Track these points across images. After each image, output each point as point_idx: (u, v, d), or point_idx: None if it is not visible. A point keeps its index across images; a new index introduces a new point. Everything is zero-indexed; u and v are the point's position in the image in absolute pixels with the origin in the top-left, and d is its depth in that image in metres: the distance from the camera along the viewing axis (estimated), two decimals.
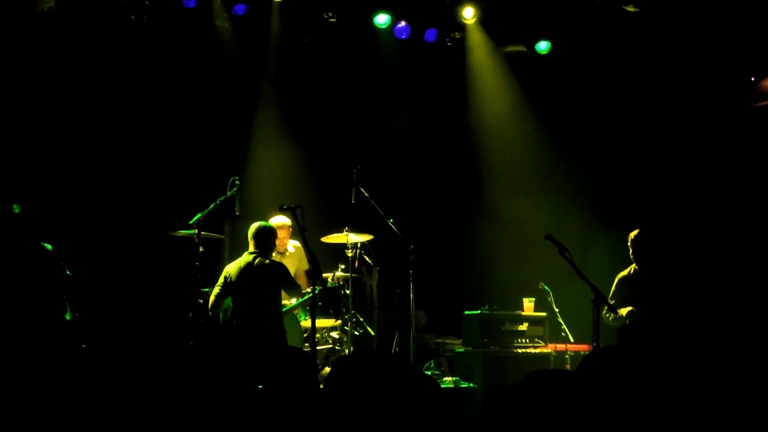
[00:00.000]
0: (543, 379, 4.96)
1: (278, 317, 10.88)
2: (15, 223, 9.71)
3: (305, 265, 11.66)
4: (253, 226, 11.07)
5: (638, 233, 11.16)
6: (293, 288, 11.08)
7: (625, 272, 11.22)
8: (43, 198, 11.92)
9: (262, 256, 10.91)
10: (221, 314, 10.98)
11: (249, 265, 10.85)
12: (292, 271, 12.05)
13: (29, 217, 9.84)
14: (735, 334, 11.84)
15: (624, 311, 10.81)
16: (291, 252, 12.51)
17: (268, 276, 10.84)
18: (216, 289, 10.92)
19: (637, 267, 11.16)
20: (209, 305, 10.91)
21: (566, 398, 4.68)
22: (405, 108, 14.88)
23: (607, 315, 10.67)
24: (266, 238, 11.06)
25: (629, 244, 11.16)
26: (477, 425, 5.14)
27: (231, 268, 10.94)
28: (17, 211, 9.74)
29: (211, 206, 11.20)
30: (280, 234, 12.18)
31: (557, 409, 4.73)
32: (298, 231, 9.88)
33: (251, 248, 10.98)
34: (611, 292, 11.10)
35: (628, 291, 11.09)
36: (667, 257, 11.26)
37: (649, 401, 4.68)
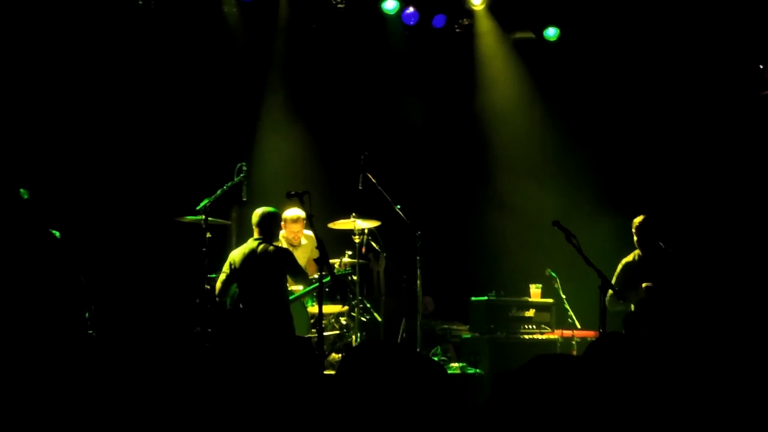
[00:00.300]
0: (548, 364, 4.97)
1: (284, 304, 10.85)
2: (23, 209, 9.68)
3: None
4: (257, 212, 11.05)
5: (642, 220, 11.14)
6: (299, 275, 11.06)
7: (629, 258, 11.20)
8: (50, 184, 11.93)
9: (266, 242, 10.90)
10: (228, 300, 10.97)
11: (253, 252, 10.84)
12: (305, 260, 12.06)
13: (37, 202, 9.82)
14: (738, 323, 11.85)
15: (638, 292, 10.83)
16: (304, 243, 12.51)
17: (272, 262, 10.81)
18: (222, 276, 10.91)
19: (641, 253, 11.15)
20: (216, 292, 10.91)
21: (571, 383, 4.69)
22: (413, 95, 14.86)
23: (616, 300, 10.68)
24: (270, 224, 11.05)
25: (633, 230, 11.15)
26: (484, 409, 5.15)
27: (235, 255, 10.92)
28: (26, 196, 9.71)
29: (218, 192, 11.18)
30: (295, 227, 12.17)
31: (562, 394, 4.74)
32: (306, 217, 9.88)
33: (255, 234, 10.97)
34: (615, 277, 11.09)
35: (632, 277, 11.07)
36: (671, 244, 11.25)
37: (653, 387, 4.68)
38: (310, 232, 12.13)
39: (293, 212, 12.09)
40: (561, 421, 4.88)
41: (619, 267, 11.19)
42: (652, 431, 4.60)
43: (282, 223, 12.07)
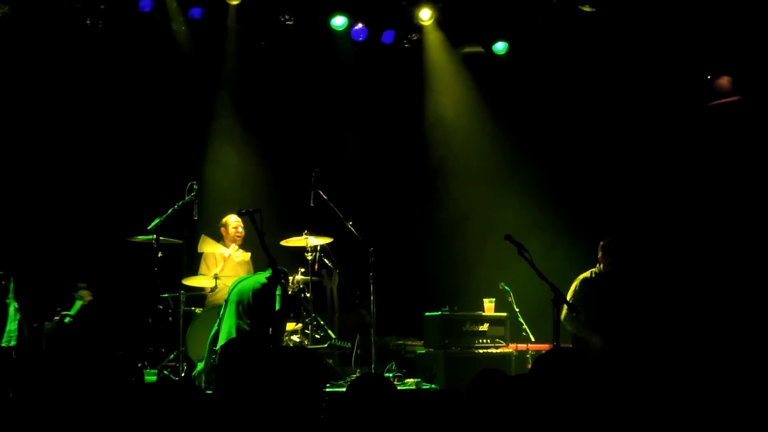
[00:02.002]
0: (490, 381, 4.98)
1: None
2: None
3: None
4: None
5: (609, 242, 11.28)
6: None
7: (587, 274, 11.32)
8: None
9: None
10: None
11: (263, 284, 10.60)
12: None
13: None
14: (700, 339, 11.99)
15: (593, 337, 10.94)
16: (242, 258, 12.53)
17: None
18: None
19: (600, 271, 11.25)
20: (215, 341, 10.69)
21: (514, 399, 4.70)
22: (364, 110, 14.85)
23: (572, 318, 10.80)
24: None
25: (599, 250, 11.27)
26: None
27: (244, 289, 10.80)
28: None
29: (169, 211, 11.16)
30: (239, 223, 12.25)
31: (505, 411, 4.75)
32: (257, 235, 9.81)
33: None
34: (571, 292, 11.16)
35: (589, 293, 11.16)
36: (635, 265, 11.37)
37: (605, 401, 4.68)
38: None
39: (232, 217, 12.40)
40: None
41: (577, 282, 11.29)
42: None
43: (224, 229, 12.45)
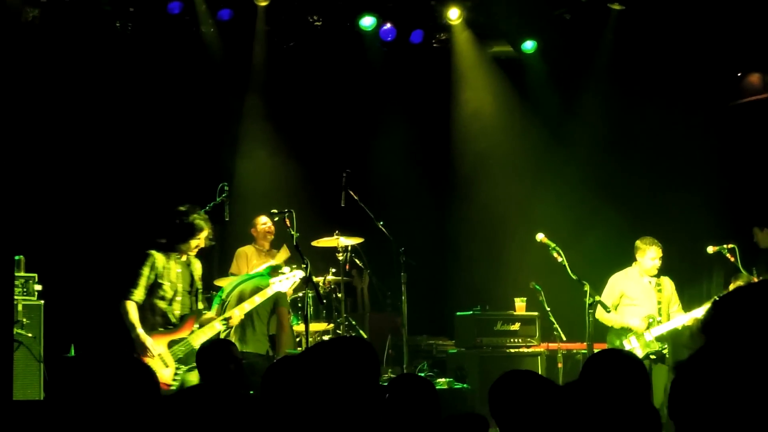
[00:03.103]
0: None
1: None
2: None
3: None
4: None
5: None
6: None
7: (623, 272, 11.29)
8: (25, 210, 11.93)
9: None
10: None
11: None
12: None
13: None
14: None
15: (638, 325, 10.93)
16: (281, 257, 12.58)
17: None
18: None
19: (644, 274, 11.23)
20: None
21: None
22: (393, 110, 14.82)
23: (605, 313, 10.78)
24: None
25: (657, 255, 11.22)
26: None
27: None
28: None
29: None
30: (267, 220, 12.33)
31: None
32: (289, 236, 9.85)
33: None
34: (608, 291, 11.18)
35: (627, 291, 11.16)
36: None
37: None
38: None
39: (263, 218, 12.47)
40: None
41: (613, 281, 11.27)
42: None
43: (253, 230, 12.65)
